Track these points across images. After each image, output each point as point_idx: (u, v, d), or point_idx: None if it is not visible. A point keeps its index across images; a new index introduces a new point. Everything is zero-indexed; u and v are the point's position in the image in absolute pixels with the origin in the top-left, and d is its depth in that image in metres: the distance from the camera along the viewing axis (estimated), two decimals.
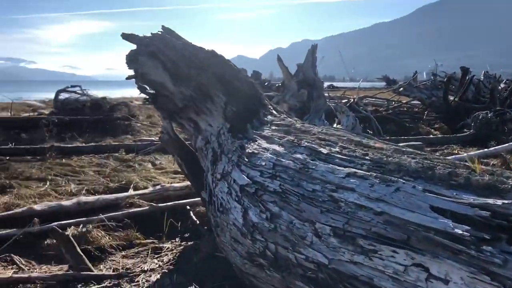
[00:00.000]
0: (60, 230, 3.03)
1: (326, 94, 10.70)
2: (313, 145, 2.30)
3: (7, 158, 8.28)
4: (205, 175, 3.13)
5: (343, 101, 13.94)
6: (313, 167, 2.12)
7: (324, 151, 2.20)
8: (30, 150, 8.43)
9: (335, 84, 47.89)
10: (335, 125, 5.96)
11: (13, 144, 10.02)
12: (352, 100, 13.85)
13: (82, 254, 2.99)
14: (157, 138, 10.31)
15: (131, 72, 3.89)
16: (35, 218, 3.81)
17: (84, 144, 9.94)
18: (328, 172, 2.03)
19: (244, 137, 2.98)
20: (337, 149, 2.18)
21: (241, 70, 3.83)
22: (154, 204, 4.65)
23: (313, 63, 6.95)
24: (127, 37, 3.83)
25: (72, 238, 3.02)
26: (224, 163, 2.76)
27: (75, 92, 13.89)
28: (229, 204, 2.43)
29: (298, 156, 2.26)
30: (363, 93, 19.11)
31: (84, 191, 5.79)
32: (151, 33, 3.81)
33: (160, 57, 3.60)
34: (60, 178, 6.52)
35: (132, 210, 4.52)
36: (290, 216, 2.03)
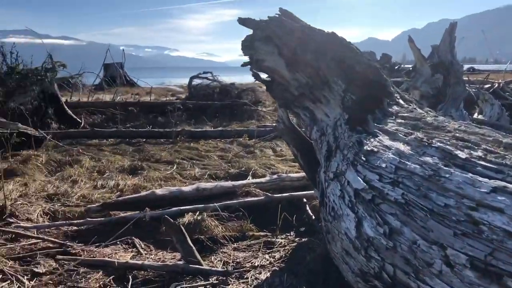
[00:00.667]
0: (171, 220, 3.01)
1: (465, 79, 9.48)
2: (447, 146, 1.85)
3: (144, 140, 8.96)
4: (318, 171, 2.84)
5: (486, 86, 12.34)
6: (447, 175, 1.69)
7: (462, 155, 1.74)
8: (163, 134, 8.99)
9: (476, 66, 42.94)
10: (476, 115, 5.14)
11: (150, 127, 10.87)
12: (496, 85, 12.18)
13: (192, 246, 2.95)
14: None
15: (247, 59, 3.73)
16: (147, 209, 3.91)
17: (212, 129, 10.32)
18: (466, 183, 1.59)
19: (363, 130, 2.61)
20: (479, 153, 1.71)
21: (364, 53, 3.41)
22: (270, 195, 4.50)
23: (451, 44, 6.10)
24: (243, 21, 3.66)
25: (183, 228, 2.98)
26: (338, 161, 2.44)
27: (206, 78, 14.53)
28: (341, 210, 2.11)
29: (428, 159, 1.84)
30: (511, 76, 16.76)
31: (206, 176, 5.92)
32: (268, 17, 3.59)
33: (275, 42, 3.37)
34: (186, 162, 6.79)
35: (248, 199, 4.43)
36: (414, 235, 1.65)
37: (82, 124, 10.25)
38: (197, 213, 3.99)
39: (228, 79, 16.70)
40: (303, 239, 3.77)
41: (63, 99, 11.08)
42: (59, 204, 4.72)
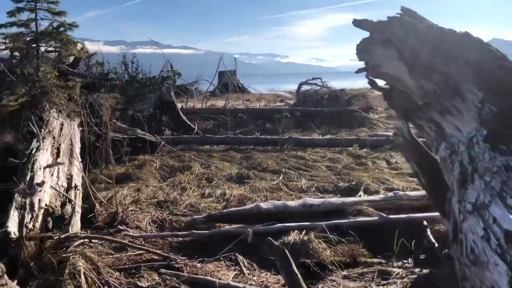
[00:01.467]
0: (275, 243, 2.77)
1: None
2: None
3: (251, 147, 8.96)
4: (449, 198, 2.38)
5: None
6: None
7: None
8: (270, 141, 8.89)
9: None
10: None
11: (258, 133, 10.88)
12: None
13: (297, 273, 2.67)
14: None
15: (362, 64, 3.37)
16: (249, 230, 3.70)
17: (320, 137, 9.99)
18: None
19: (509, 151, 2.11)
20: None
21: (506, 57, 2.85)
22: (385, 215, 4.06)
23: None
24: (359, 23, 3.31)
25: (287, 253, 2.72)
26: (478, 189, 1.98)
27: (315, 84, 14.25)
28: (485, 255, 1.67)
29: None
30: None
31: (313, 189, 5.62)
32: (388, 17, 3.19)
33: (396, 45, 2.97)
34: (293, 172, 6.56)
35: (359, 219, 4.04)
36: None
37: (195, 129, 10.61)
38: (303, 232, 3.71)
39: (338, 84, 16.25)
40: (424, 270, 3.28)
41: (178, 106, 11.63)
42: (167, 212, 4.78)
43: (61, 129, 5.61)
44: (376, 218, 4.01)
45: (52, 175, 3.71)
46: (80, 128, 6.76)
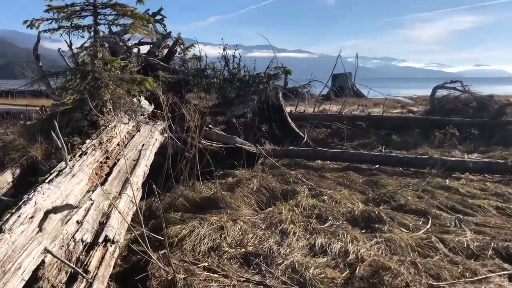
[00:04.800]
0: None
1: None
2: None
3: (377, 166, 6.92)
4: None
5: None
6: None
7: None
8: (402, 161, 6.75)
9: None
10: None
11: (383, 148, 8.75)
12: None
13: None
14: None
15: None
16: None
17: (467, 157, 7.57)
18: None
19: None
20: None
21: None
22: None
23: None
24: None
25: None
26: None
27: (454, 88, 11.59)
28: None
29: None
30: None
31: (489, 251, 3.48)
32: None
33: None
34: (446, 215, 4.43)
35: None
36: None
37: (305, 139, 8.83)
38: None
39: (481, 90, 13.25)
40: None
41: (287, 110, 9.98)
42: (256, 277, 3.05)
43: (129, 138, 4.23)
44: None
45: (66, 222, 2.22)
46: (164, 136, 5.41)
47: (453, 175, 6.31)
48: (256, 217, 4.47)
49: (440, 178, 6.00)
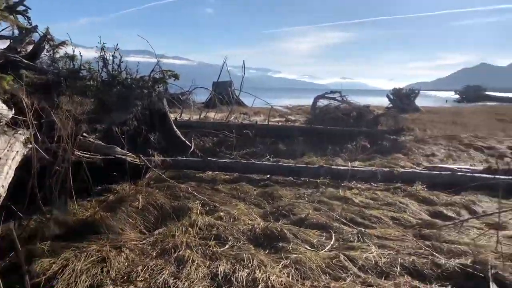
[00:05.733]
0: None
1: None
2: None
3: (268, 176, 6.68)
4: None
5: None
6: None
7: None
8: (294, 170, 6.61)
9: None
10: None
11: (271, 156, 8.63)
12: None
13: None
14: (467, 167, 7.37)
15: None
16: None
17: (349, 164, 7.77)
18: None
19: None
20: None
21: None
22: None
23: None
24: None
25: None
26: None
27: (334, 98, 12.08)
28: None
29: None
30: None
31: (397, 268, 3.34)
32: None
33: None
34: (348, 229, 4.27)
35: None
36: None
37: (192, 148, 8.31)
38: None
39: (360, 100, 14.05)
40: None
41: (171, 117, 9.36)
42: None
43: None
44: None
45: None
46: (28, 147, 4.46)
47: (342, 184, 6.35)
48: (145, 241, 3.85)
49: (333, 188, 5.97)
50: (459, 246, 3.65)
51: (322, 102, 12.11)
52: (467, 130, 15.13)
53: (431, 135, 12.55)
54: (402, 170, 6.76)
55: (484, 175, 6.24)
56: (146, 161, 6.28)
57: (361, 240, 3.93)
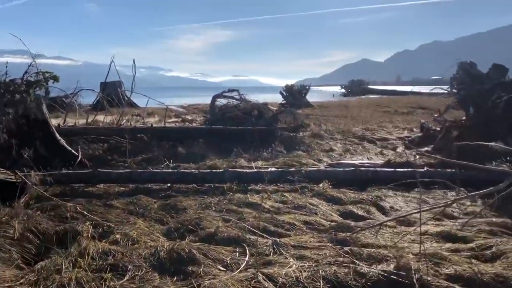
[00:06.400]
0: None
1: None
2: None
3: (168, 185, 6.12)
4: None
5: None
6: None
7: None
8: (198, 176, 6.14)
9: None
10: None
11: (171, 162, 8.05)
12: None
13: None
14: (369, 162, 7.47)
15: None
16: None
17: (253, 164, 7.53)
18: None
19: None
20: None
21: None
22: None
23: None
24: None
25: None
26: None
27: (232, 97, 11.79)
28: None
29: None
30: None
31: (320, 282, 3.06)
32: None
33: None
34: (262, 240, 3.92)
35: None
36: None
37: (79, 157, 7.41)
38: None
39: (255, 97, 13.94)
40: None
41: (53, 123, 8.30)
42: None
43: None
44: None
45: None
46: None
47: (249, 188, 6.04)
48: (23, 280, 3.12)
49: (241, 193, 5.62)
50: (378, 250, 3.50)
51: (221, 101, 11.76)
52: (358, 123, 15.93)
53: (326, 130, 12.91)
54: (309, 169, 6.63)
55: (385, 169, 6.36)
56: (23, 177, 5.38)
57: (278, 252, 3.61)
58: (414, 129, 13.99)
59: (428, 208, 3.80)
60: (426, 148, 9.36)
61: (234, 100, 11.62)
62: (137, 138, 9.55)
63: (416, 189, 5.84)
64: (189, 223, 4.32)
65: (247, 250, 3.63)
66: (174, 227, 4.34)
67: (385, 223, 4.27)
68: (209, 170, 6.42)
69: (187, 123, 14.40)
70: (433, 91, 8.41)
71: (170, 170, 6.53)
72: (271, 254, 3.59)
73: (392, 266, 3.12)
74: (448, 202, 3.69)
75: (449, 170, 5.96)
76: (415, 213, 3.78)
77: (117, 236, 3.97)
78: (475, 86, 6.72)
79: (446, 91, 7.59)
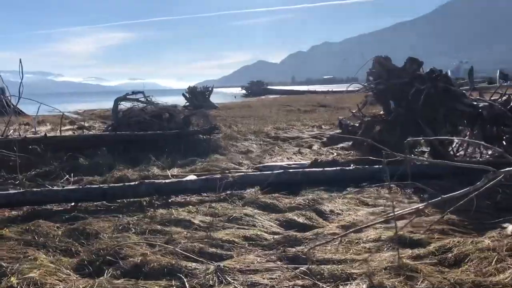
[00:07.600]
0: None
1: None
2: None
3: (72, 204, 5.16)
4: None
5: None
6: None
7: None
8: (108, 192, 5.26)
9: None
10: None
11: (71, 175, 6.99)
12: None
13: None
14: (296, 163, 7.05)
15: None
16: None
17: (168, 172, 6.81)
18: None
19: None
20: None
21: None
22: None
23: None
24: None
25: None
26: None
27: (137, 100, 10.81)
28: None
29: None
30: None
31: None
32: None
33: None
34: (201, 267, 3.26)
35: None
36: None
37: None
38: None
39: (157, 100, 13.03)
40: None
41: None
42: None
43: None
44: None
45: None
46: None
47: (169, 201, 5.34)
48: None
49: (162, 208, 4.88)
50: (340, 267, 3.04)
51: (124, 105, 10.72)
52: (267, 122, 15.75)
53: (238, 131, 12.48)
54: (237, 174, 6.07)
55: (314, 170, 6.04)
56: None
57: (223, 280, 3.00)
58: (323, 126, 14.18)
59: (400, 212, 3.45)
60: (341, 145, 9.37)
61: (139, 103, 10.66)
62: (28, 150, 8.24)
63: (348, 189, 5.62)
64: (106, 253, 3.52)
65: (186, 283, 2.97)
66: (87, 259, 3.50)
67: (332, 231, 3.87)
68: (120, 184, 5.54)
69: (85, 130, 13.06)
70: (350, 88, 8.36)
71: (72, 186, 5.56)
72: (216, 284, 2.97)
73: (364, 286, 2.68)
74: (421, 207, 3.39)
75: (377, 166, 5.81)
76: (390, 218, 3.40)
77: (13, 279, 3.05)
78: (393, 80, 6.72)
79: (363, 85, 7.57)
